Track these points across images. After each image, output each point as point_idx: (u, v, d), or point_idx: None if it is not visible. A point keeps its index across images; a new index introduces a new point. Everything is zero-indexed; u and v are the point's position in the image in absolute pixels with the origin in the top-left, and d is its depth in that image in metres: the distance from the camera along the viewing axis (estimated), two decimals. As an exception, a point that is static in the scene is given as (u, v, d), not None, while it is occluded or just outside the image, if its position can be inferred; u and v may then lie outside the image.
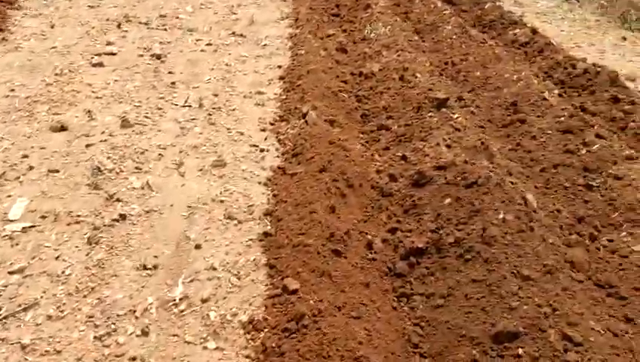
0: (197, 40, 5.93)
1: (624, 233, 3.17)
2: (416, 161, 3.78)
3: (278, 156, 3.68)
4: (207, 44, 5.79)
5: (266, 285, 2.54)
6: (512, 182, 3.42)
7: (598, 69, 5.56)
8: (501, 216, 2.97)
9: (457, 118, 4.17)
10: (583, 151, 3.91)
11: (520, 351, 2.20)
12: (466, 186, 3.29)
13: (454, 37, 6.87)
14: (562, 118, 4.33)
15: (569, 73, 5.72)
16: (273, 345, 2.16)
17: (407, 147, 4.06)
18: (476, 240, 2.82)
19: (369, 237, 3.01)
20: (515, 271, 2.57)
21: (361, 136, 4.34)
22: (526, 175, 3.91)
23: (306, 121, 3.91)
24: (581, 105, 4.98)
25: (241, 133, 3.92)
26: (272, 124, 4.14)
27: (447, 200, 3.27)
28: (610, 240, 3.15)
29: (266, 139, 3.91)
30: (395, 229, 3.20)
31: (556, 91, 5.27)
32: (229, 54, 5.55)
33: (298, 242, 2.71)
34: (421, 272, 2.82)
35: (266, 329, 2.26)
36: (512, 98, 4.96)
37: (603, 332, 2.33)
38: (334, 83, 5.08)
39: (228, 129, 3.97)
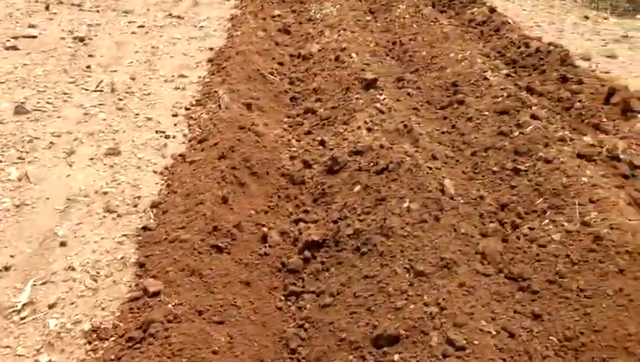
0: (129, 22, 5.60)
1: (547, 220, 2.93)
2: (334, 145, 3.53)
3: (184, 143, 3.41)
4: (140, 26, 5.47)
5: (130, 287, 2.28)
6: (430, 168, 3.17)
7: (550, 48, 5.32)
8: (406, 204, 2.72)
9: (384, 99, 3.90)
10: (516, 133, 3.67)
11: (397, 357, 1.96)
12: (377, 172, 3.03)
13: (407, 16, 6.61)
14: (500, 99, 4.08)
15: (521, 52, 5.48)
16: (112, 357, 1.91)
17: (328, 131, 3.80)
18: (375, 232, 2.57)
19: (265, 229, 2.75)
20: (408, 266, 2.33)
21: (286, 120, 4.07)
22: (456, 159, 3.67)
23: (219, 105, 3.63)
24: (528, 86, 4.74)
25: (149, 119, 3.63)
26: (187, 109, 3.85)
27: (357, 188, 3.02)
28: (532, 229, 2.91)
29: (176, 124, 3.63)
30: (300, 220, 2.95)
31: (504, 71, 5.02)
32: (161, 36, 5.25)
33: (175, 237, 2.44)
34: (316, 268, 2.57)
35: (112, 339, 2.01)
36: (453, 78, 4.71)
37: (496, 333, 2.09)
38: (267, 65, 4.80)
39: (136, 114, 3.68)
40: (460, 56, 5.03)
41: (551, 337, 2.29)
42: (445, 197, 3.01)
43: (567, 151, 3.36)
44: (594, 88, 4.56)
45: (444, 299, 2.15)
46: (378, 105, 3.79)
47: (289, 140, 3.62)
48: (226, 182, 2.83)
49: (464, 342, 1.96)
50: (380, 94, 3.95)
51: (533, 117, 3.79)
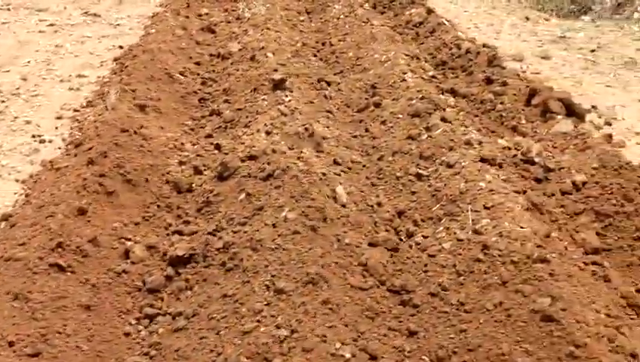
0: (40, 20, 5.29)
1: (441, 228, 2.76)
2: (229, 150, 3.30)
3: (60, 148, 3.13)
4: (50, 25, 5.17)
5: (-54, 314, 2.01)
6: (324, 174, 2.96)
7: (480, 49, 5.21)
8: (283, 214, 2.50)
9: (290, 101, 3.69)
10: (424, 137, 3.51)
11: (232, 389, 1.75)
12: (263, 179, 2.82)
13: (341, 16, 6.46)
14: (414, 101, 3.92)
15: (452, 54, 5.38)
16: None
17: (229, 134, 3.57)
18: (244, 245, 2.36)
19: (130, 244, 2.50)
20: (269, 283, 2.11)
21: (188, 122, 3.83)
22: (363, 164, 3.48)
23: (106, 106, 3.37)
24: (451, 88, 4.60)
25: (28, 122, 3.35)
26: (75, 111, 3.59)
27: (241, 197, 2.80)
28: (425, 237, 2.74)
29: (57, 128, 3.35)
30: (177, 232, 2.71)
31: (430, 73, 4.89)
32: (70, 35, 4.95)
33: (11, 255, 2.18)
34: (178, 286, 2.34)
35: None
36: (374, 80, 4.54)
37: (351, 356, 1.89)
38: (180, 64, 4.55)
39: (15, 118, 3.40)
40: (384, 57, 4.88)
41: (423, 357, 2.10)
42: (337, 205, 2.82)
43: (471, 155, 3.20)
44: (517, 89, 4.44)
45: (297, 320, 1.94)
46: (282, 107, 3.58)
47: (183, 144, 3.38)
48: (88, 191, 2.57)
49: (307, 370, 1.76)
50: (287, 96, 3.74)
51: (444, 120, 3.64)
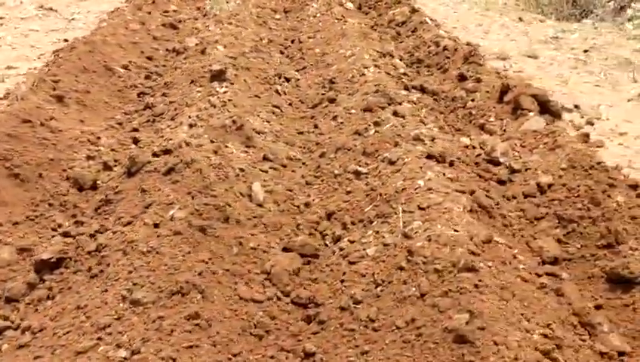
0: (-8, 13, 5.04)
1: (370, 231, 2.38)
2: (146, 144, 2.95)
3: (-45, 140, 2.81)
4: (-1, 18, 4.92)
5: None
6: (242, 169, 2.60)
7: (457, 47, 4.85)
8: (171, 212, 2.14)
9: (224, 92, 3.34)
10: (371, 132, 3.14)
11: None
12: (164, 174, 2.46)
13: (318, 15, 6.17)
14: (368, 96, 3.55)
15: (430, 51, 5.02)
16: None
17: (152, 128, 3.24)
18: (117, 248, 2.00)
19: (-3, 246, 2.16)
20: (126, 293, 1.74)
21: (118, 117, 3.51)
22: (302, 161, 3.12)
23: (16, 96, 3.06)
24: (421, 85, 4.24)
25: None
26: (-10, 103, 3.27)
27: (139, 194, 2.45)
28: (352, 242, 2.36)
29: (-40, 121, 3.03)
30: (66, 234, 2.36)
31: (402, 70, 4.55)
32: (16, 28, 4.70)
33: None
34: (39, 295, 1.98)
35: None
36: (333, 75, 4.20)
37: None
38: (127, 58, 4.25)
39: None
40: (349, 52, 4.54)
41: (314, 386, 1.72)
42: (252, 204, 2.46)
43: (417, 151, 2.81)
44: (491, 87, 4.06)
45: (144, 339, 1.57)
46: (213, 98, 3.24)
47: (98, 138, 3.05)
48: (-42, 186, 2.25)
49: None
50: (222, 87, 3.40)
51: (396, 114, 3.27)
